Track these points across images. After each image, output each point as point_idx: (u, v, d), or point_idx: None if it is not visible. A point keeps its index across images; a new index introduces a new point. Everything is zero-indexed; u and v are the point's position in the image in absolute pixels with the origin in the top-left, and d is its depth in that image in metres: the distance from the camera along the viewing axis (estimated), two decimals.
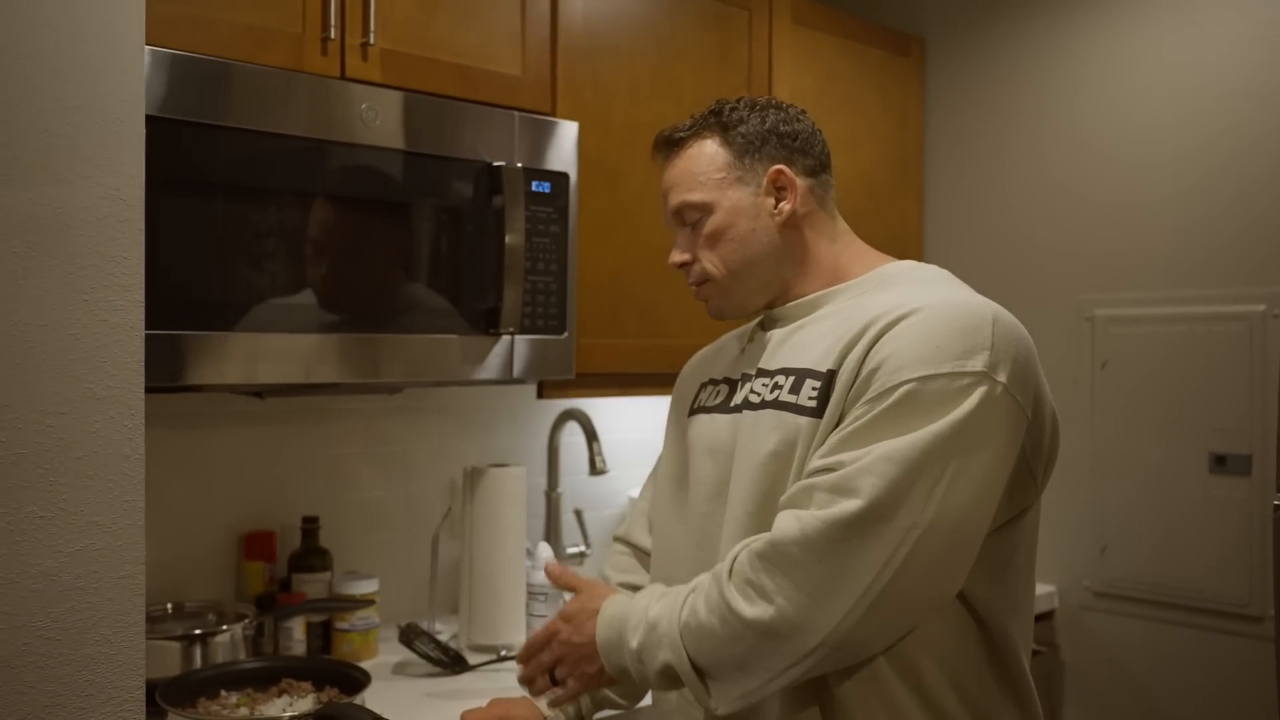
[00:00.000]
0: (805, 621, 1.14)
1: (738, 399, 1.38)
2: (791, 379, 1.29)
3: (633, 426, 2.64)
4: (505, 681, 1.97)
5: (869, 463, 1.13)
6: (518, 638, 2.11)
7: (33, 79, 1.12)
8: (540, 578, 1.95)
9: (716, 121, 1.39)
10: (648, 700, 1.74)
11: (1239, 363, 2.33)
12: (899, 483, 1.12)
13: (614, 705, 1.56)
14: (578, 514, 2.53)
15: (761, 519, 1.25)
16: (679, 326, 2.30)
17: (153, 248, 1.45)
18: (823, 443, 1.21)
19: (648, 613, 1.26)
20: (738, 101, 1.40)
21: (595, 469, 2.36)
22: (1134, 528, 2.46)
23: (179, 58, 1.58)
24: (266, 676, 1.76)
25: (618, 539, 1.63)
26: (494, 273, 1.89)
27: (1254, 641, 2.30)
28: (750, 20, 2.44)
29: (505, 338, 1.94)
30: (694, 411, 1.47)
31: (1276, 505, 1.64)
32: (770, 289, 1.39)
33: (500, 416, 2.46)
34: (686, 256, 1.40)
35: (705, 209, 1.37)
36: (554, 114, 2.08)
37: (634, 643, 1.25)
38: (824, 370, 1.25)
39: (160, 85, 1.55)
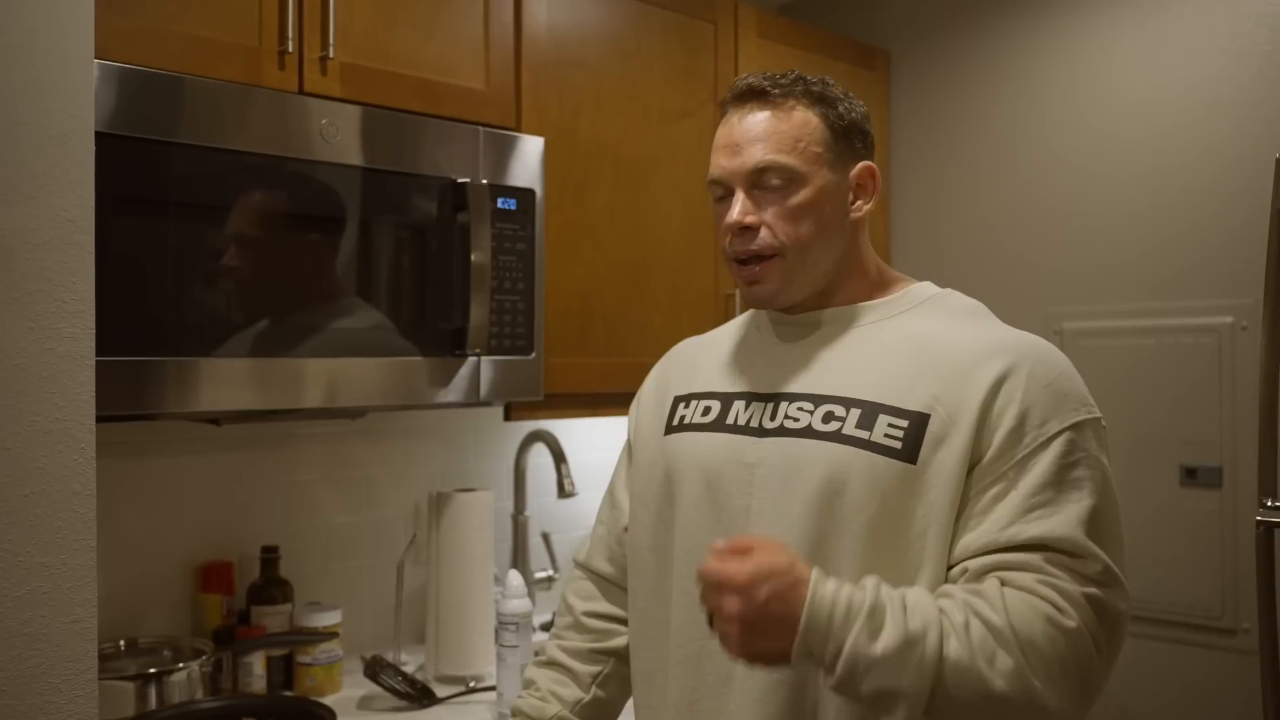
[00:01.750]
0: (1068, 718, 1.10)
1: (760, 421, 1.27)
2: (856, 411, 1.19)
3: (601, 447, 2.59)
4: (476, 715, 1.91)
5: (1087, 547, 1.11)
6: (487, 667, 2.05)
7: None
8: (510, 606, 1.90)
9: (812, 93, 1.27)
10: None
11: (1208, 375, 2.33)
12: (1118, 562, 1.14)
13: None
14: (545, 537, 2.48)
15: (817, 557, 1.16)
16: (649, 345, 2.25)
17: (103, 270, 1.38)
18: (917, 491, 1.15)
19: (907, 621, 1.05)
20: (818, 79, 1.29)
21: (564, 491, 2.31)
22: None
23: (131, 71, 1.51)
24: (226, 716, 1.70)
25: (578, 564, 1.55)
26: (459, 292, 1.84)
27: (1228, 654, 2.29)
28: (715, 34, 2.41)
29: (471, 359, 1.88)
30: (673, 430, 1.37)
31: (1259, 520, 1.63)
32: (820, 283, 1.30)
33: (466, 439, 2.40)
34: (756, 219, 1.25)
35: (796, 179, 1.24)
36: (519, 128, 2.03)
37: (855, 640, 1.04)
38: (909, 409, 1.18)
39: (111, 100, 1.49)
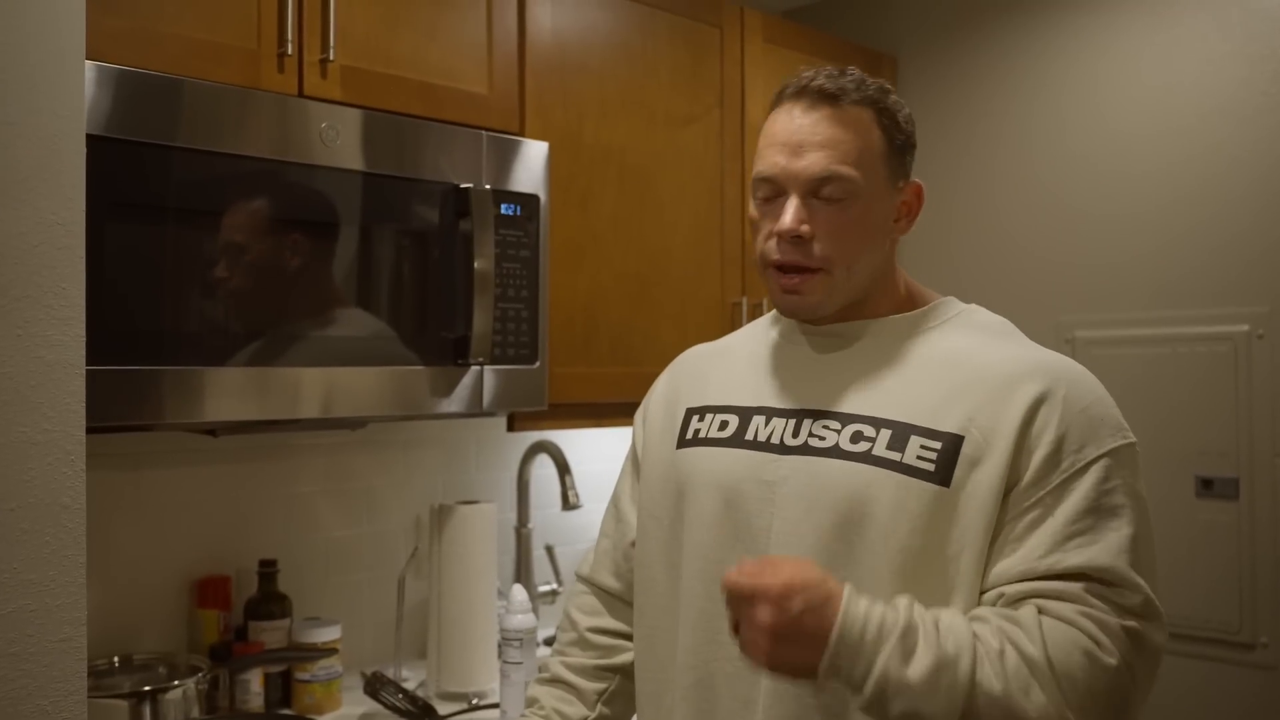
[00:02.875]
0: None
1: (782, 437, 1.23)
2: (887, 432, 1.16)
3: (606, 458, 2.55)
4: None
5: (1128, 577, 1.08)
6: (490, 684, 2.01)
7: None
8: (514, 622, 1.86)
9: (873, 99, 1.21)
10: None
11: (1224, 384, 2.29)
12: (1150, 587, 1.10)
13: None
14: (549, 550, 2.43)
15: (840, 580, 1.12)
16: (654, 354, 2.21)
17: (97, 276, 1.35)
18: (950, 515, 1.11)
19: (940, 643, 1.02)
20: (879, 84, 1.23)
21: (568, 503, 2.26)
22: None
23: (127, 74, 1.48)
24: None
25: (582, 578, 1.51)
26: (462, 300, 1.80)
27: (1246, 669, 2.25)
28: (722, 38, 2.38)
29: (474, 368, 1.84)
30: (687, 444, 1.32)
31: None
32: (852, 300, 1.26)
33: (468, 450, 2.36)
34: (810, 229, 1.18)
35: (854, 193, 1.19)
36: (522, 133, 1.99)
37: (887, 661, 1.02)
38: (942, 431, 1.14)
39: (107, 103, 1.45)
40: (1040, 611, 1.07)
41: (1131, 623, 1.07)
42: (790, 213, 1.19)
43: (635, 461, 1.46)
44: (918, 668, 1.01)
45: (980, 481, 1.11)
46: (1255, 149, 2.26)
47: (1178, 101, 2.38)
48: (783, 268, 1.21)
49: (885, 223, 1.24)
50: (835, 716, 1.14)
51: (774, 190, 1.22)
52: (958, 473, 1.12)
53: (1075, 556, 1.08)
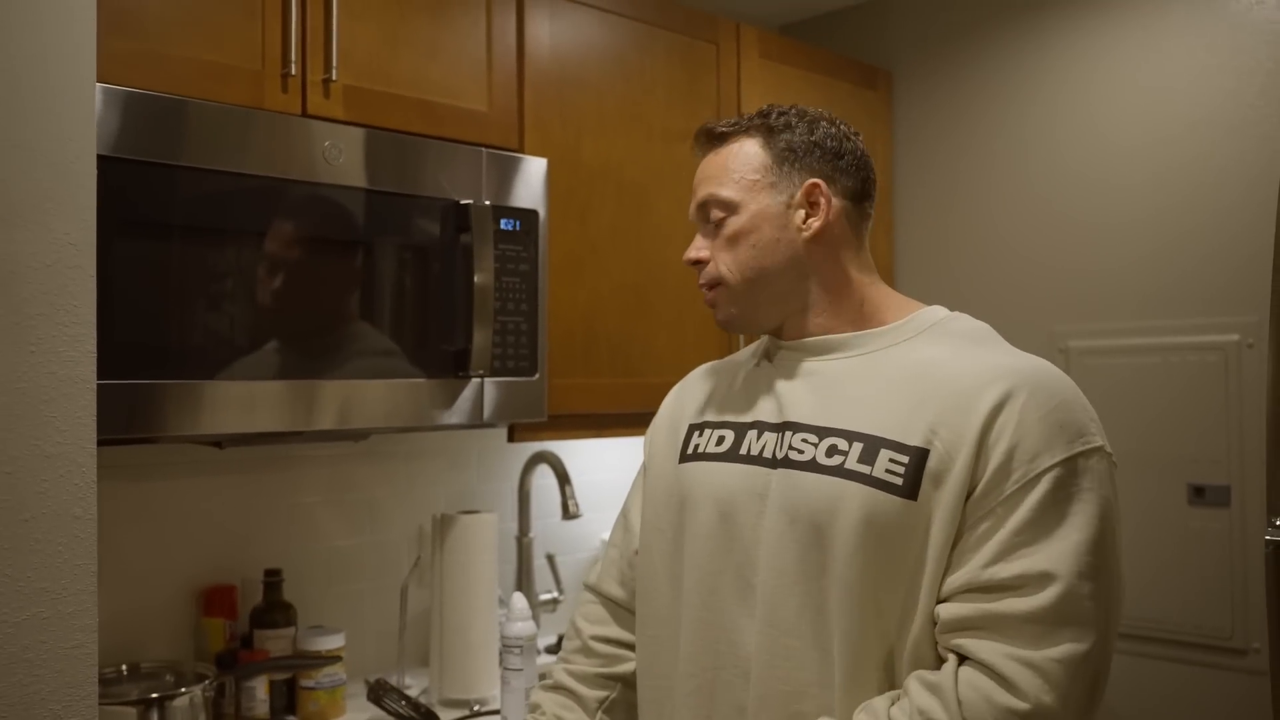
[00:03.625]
0: None
1: (773, 451, 1.26)
2: (859, 445, 1.19)
3: (605, 468, 2.58)
4: None
5: (1063, 588, 1.09)
6: (491, 690, 2.04)
7: None
8: (515, 629, 1.89)
9: (762, 123, 1.31)
10: None
11: (1215, 393, 2.32)
12: (1107, 596, 1.12)
13: None
14: (550, 559, 2.46)
15: (816, 590, 1.18)
16: (653, 365, 2.25)
17: (106, 293, 1.38)
18: (917, 526, 1.14)
19: None
20: (789, 109, 1.33)
21: (568, 513, 2.30)
22: None
23: (134, 95, 1.52)
24: None
25: (588, 587, 1.54)
26: (462, 313, 1.84)
27: (1238, 675, 2.27)
28: (718, 54, 2.42)
29: (475, 380, 1.88)
30: (688, 458, 1.36)
31: (1268, 540, 1.62)
32: (786, 306, 1.31)
33: (470, 460, 2.39)
34: (704, 253, 1.33)
35: (730, 207, 1.30)
36: (521, 150, 2.03)
37: None
38: (910, 445, 1.17)
39: (114, 124, 1.49)
40: (962, 660, 1.11)
41: (1060, 647, 1.08)
42: (692, 245, 1.35)
43: (645, 475, 1.50)
44: None
45: (944, 494, 1.14)
46: (1243, 159, 2.29)
47: (1168, 113, 2.41)
48: (704, 289, 1.35)
49: (782, 229, 1.28)
50: None
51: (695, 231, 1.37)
52: (924, 485, 1.14)
53: (1014, 566, 1.10)
